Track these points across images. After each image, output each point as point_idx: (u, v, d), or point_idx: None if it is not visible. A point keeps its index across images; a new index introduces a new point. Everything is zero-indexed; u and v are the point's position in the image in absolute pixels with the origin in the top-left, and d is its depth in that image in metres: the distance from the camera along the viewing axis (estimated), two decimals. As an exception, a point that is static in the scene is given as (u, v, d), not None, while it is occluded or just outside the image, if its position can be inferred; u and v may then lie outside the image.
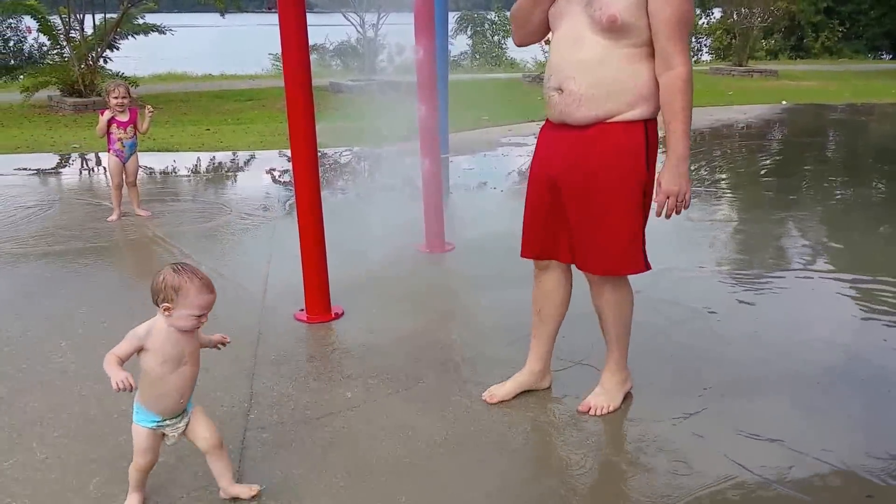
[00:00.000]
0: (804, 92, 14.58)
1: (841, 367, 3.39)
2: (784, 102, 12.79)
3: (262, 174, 7.99)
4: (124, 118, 5.81)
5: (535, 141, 2.96)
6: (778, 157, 8.83)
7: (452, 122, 8.45)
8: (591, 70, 2.57)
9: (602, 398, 2.99)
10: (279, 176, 7.82)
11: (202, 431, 2.40)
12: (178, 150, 8.95)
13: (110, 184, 6.11)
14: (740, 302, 4.22)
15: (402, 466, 2.67)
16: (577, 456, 2.73)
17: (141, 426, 2.33)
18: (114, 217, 5.91)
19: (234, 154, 8.97)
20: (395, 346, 3.65)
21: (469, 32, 29.81)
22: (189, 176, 7.92)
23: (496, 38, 30.71)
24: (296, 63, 3.70)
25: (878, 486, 2.52)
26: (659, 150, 2.71)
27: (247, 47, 25.08)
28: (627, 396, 3.07)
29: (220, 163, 8.59)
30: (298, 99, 3.76)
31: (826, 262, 4.96)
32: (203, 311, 2.24)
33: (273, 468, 2.67)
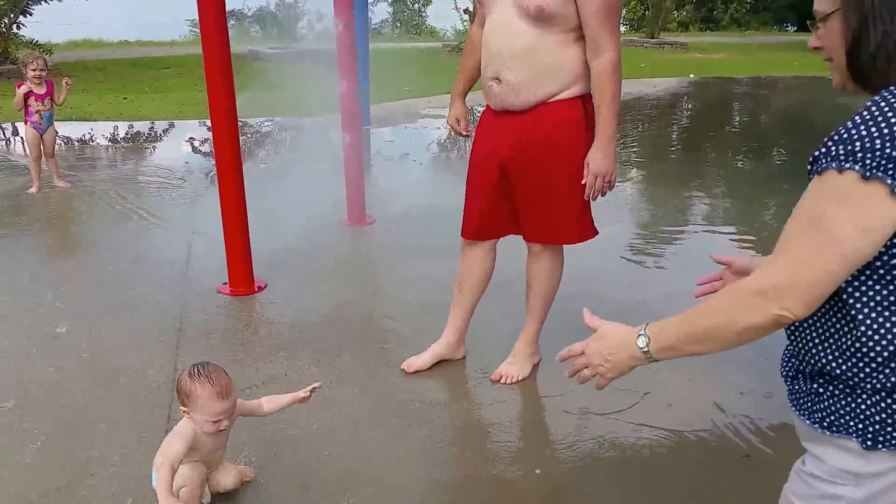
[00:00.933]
0: (712, 65, 15.05)
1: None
2: (692, 76, 13.20)
3: (183, 144, 7.85)
4: (41, 90, 5.78)
5: (476, 126, 3.04)
6: (684, 130, 9.17)
7: (374, 94, 8.44)
8: (525, 59, 2.63)
9: (514, 368, 3.14)
10: (200, 146, 7.70)
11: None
12: (95, 120, 8.68)
13: (29, 155, 6.01)
14: (654, 266, 4.43)
15: (324, 435, 2.77)
16: (491, 421, 2.88)
17: None
18: (34, 189, 5.83)
19: (153, 123, 8.76)
20: (318, 319, 3.73)
21: (389, 0, 29.49)
22: (108, 146, 7.72)
23: (416, 6, 30.48)
24: (213, 31, 3.65)
25: (754, 447, 2.75)
26: None
27: (164, 12, 24.18)
28: (535, 367, 3.24)
29: (139, 132, 8.38)
30: (216, 69, 3.71)
31: (728, 224, 5.24)
32: (217, 417, 2.14)
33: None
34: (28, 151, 6.03)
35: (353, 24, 4.84)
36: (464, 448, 2.71)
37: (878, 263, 1.17)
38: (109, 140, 7.95)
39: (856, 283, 1.19)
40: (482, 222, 3.01)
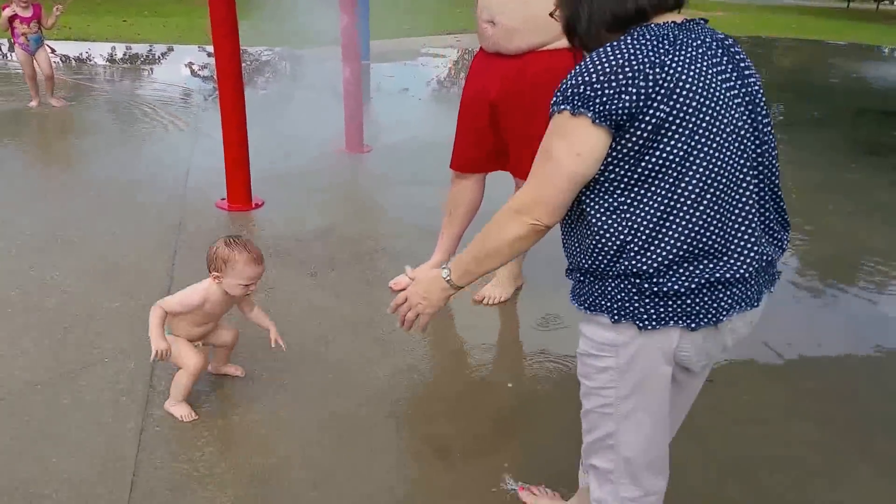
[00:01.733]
0: (712, 22, 14.88)
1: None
2: (691, 31, 13.11)
3: (182, 67, 7.77)
4: (27, 13, 5.73)
5: (469, 65, 3.06)
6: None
7: (373, 30, 8.36)
8: (519, 7, 2.66)
9: (497, 290, 3.22)
10: (199, 70, 7.63)
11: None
12: (94, 41, 8.56)
13: (23, 73, 5.98)
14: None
15: (314, 342, 2.83)
16: (469, 337, 2.97)
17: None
18: (34, 103, 5.83)
19: (151, 46, 8.64)
20: (311, 237, 3.77)
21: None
22: (106, 66, 7.63)
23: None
24: None
25: (715, 372, 2.85)
26: None
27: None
28: (518, 290, 3.31)
29: (138, 54, 8.28)
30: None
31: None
32: (251, 281, 2.32)
33: (194, 339, 2.80)
34: (22, 69, 6.01)
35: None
36: (442, 361, 2.79)
37: (602, 178, 1.42)
38: (108, 60, 7.85)
39: (589, 195, 1.44)
40: (471, 156, 3.07)
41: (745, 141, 1.43)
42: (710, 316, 1.43)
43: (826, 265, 3.98)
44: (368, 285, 3.31)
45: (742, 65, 1.46)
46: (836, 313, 3.45)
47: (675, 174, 1.38)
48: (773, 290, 1.55)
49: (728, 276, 1.42)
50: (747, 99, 1.44)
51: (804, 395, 2.71)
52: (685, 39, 1.41)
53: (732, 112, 1.41)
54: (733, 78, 1.43)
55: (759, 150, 1.46)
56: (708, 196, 1.38)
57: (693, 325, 1.43)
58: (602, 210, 1.43)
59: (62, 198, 4.08)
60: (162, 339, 2.24)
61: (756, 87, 1.47)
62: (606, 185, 1.42)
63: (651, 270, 1.40)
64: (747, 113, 1.44)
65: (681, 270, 1.41)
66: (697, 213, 1.38)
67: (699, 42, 1.42)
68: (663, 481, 1.65)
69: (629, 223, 1.41)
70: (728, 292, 1.44)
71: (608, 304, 1.46)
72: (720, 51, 1.43)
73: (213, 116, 5.75)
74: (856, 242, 4.26)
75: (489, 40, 2.81)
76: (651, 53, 1.36)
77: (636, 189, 1.40)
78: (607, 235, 1.43)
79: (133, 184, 4.33)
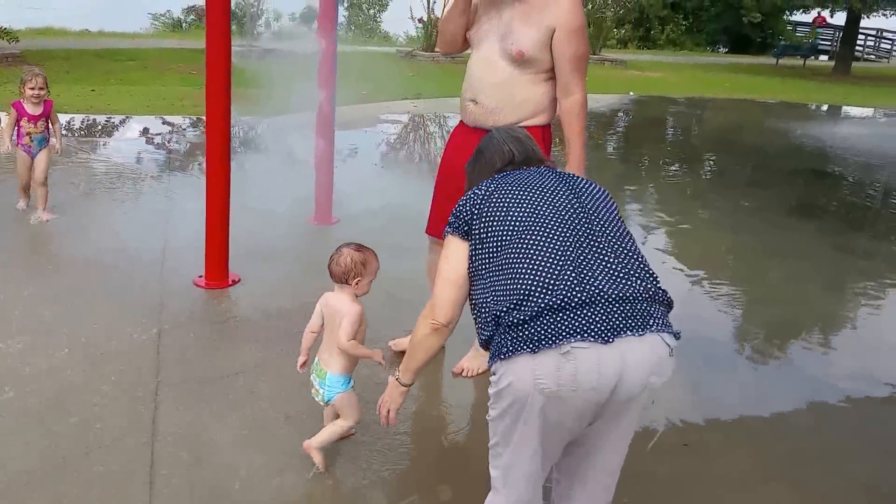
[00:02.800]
0: (650, 83, 15.52)
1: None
2: (632, 94, 13.60)
3: (152, 139, 7.81)
4: (37, 111, 4.90)
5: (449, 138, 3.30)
6: (626, 144, 9.51)
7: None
8: (499, 90, 2.98)
9: (475, 362, 3.34)
10: (168, 142, 7.69)
11: None
12: (66, 112, 8.55)
13: (18, 178, 5.14)
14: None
15: (302, 419, 2.91)
16: (455, 411, 3.07)
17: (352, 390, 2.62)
18: (22, 205, 5.12)
19: (124, 117, 8.68)
20: (292, 311, 3.84)
21: (345, 4, 29.43)
22: (80, 138, 7.63)
23: (371, 11, 30.45)
24: (218, 30, 3.76)
25: (689, 437, 3.00)
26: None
27: (127, 3, 23.69)
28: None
29: (108, 125, 8.30)
30: (218, 70, 3.81)
31: (656, 228, 5.55)
32: (376, 274, 2.60)
33: (184, 421, 2.85)
34: (17, 173, 5.11)
35: (334, 44, 4.96)
36: (422, 438, 2.88)
37: (471, 272, 1.94)
38: (83, 133, 7.85)
39: (472, 284, 1.95)
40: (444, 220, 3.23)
41: (569, 218, 1.88)
42: (548, 340, 1.71)
43: (783, 330, 4.22)
44: (349, 361, 3.39)
45: (568, 178, 2.03)
46: (796, 376, 3.66)
47: (499, 252, 1.87)
48: (660, 332, 1.77)
49: (555, 302, 1.74)
50: (570, 194, 1.95)
51: (775, 458, 2.87)
52: (517, 174, 2.04)
53: (555, 202, 1.92)
54: (559, 184, 1.98)
55: (587, 223, 1.89)
56: (531, 254, 1.82)
57: (534, 349, 1.72)
58: (476, 293, 1.93)
59: (40, 281, 4.08)
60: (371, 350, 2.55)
61: (582, 185, 2.01)
62: (473, 276, 1.93)
63: (503, 311, 1.80)
64: (572, 201, 1.93)
65: (521, 306, 1.77)
66: (525, 267, 1.81)
67: (529, 172, 2.04)
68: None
69: (490, 291, 1.86)
70: (559, 317, 1.73)
71: (491, 352, 1.83)
72: (549, 174, 2.03)
73: (183, 188, 5.80)
74: (805, 307, 4.50)
75: (471, 116, 3.09)
76: (482, 186, 2.02)
77: (483, 269, 1.90)
78: (477, 312, 1.93)
79: (111, 264, 4.33)
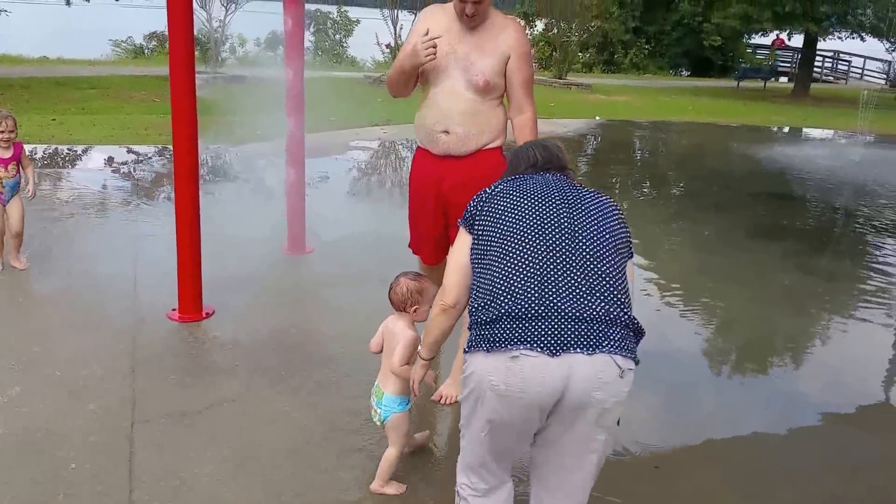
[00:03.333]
0: (615, 107, 15.84)
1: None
2: (598, 118, 13.88)
3: (118, 169, 7.79)
4: (7, 154, 4.57)
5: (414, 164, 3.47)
6: (592, 168, 9.71)
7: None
8: (468, 119, 3.24)
9: (453, 388, 3.41)
10: (135, 171, 7.67)
11: None
12: (28, 142, 8.47)
13: None
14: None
15: (281, 453, 2.95)
16: (439, 437, 3.13)
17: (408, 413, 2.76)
18: None
19: (87, 147, 8.64)
20: (267, 343, 3.88)
21: (312, 30, 29.59)
22: (44, 169, 7.58)
23: (338, 36, 30.67)
24: (181, 58, 3.81)
25: (661, 459, 3.10)
26: None
27: (86, 29, 23.55)
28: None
29: (71, 155, 8.27)
30: (183, 100, 3.86)
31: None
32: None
33: (161, 458, 2.87)
34: None
35: (301, 71, 5.05)
36: (413, 463, 2.94)
37: (471, 264, 2.12)
38: (46, 164, 7.80)
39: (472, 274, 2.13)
40: (436, 245, 3.42)
41: (550, 234, 2.03)
42: (500, 343, 1.91)
43: (750, 350, 4.37)
44: (328, 389, 3.44)
45: (573, 192, 2.16)
46: (763, 396, 3.80)
47: (487, 252, 2.07)
48: (613, 354, 1.90)
49: (514, 310, 1.92)
50: (564, 209, 2.09)
51: (745, 477, 2.98)
52: (526, 179, 2.22)
53: (544, 216, 2.07)
54: (558, 197, 2.12)
55: (567, 240, 2.02)
56: (505, 261, 2.01)
57: (488, 349, 1.93)
58: (475, 281, 2.10)
59: (10, 316, 4.07)
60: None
61: (584, 202, 2.13)
62: (475, 265, 2.12)
63: (474, 308, 2.02)
64: (561, 217, 2.07)
65: (487, 308, 1.98)
66: (499, 272, 2.00)
67: (537, 179, 2.21)
68: (484, 484, 2.15)
69: (475, 287, 2.08)
70: (514, 325, 1.91)
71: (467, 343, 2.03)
72: (557, 184, 2.18)
73: (152, 219, 5.81)
74: (771, 327, 4.66)
75: (443, 146, 3.29)
76: (492, 186, 2.22)
77: (475, 265, 2.11)
78: (473, 300, 2.08)
79: (82, 299, 4.33)
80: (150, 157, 8.24)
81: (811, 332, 4.74)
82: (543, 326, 1.89)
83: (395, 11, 17.22)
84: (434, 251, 3.48)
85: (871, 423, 3.58)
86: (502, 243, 2.04)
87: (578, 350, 1.87)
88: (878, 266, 6.15)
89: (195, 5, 15.81)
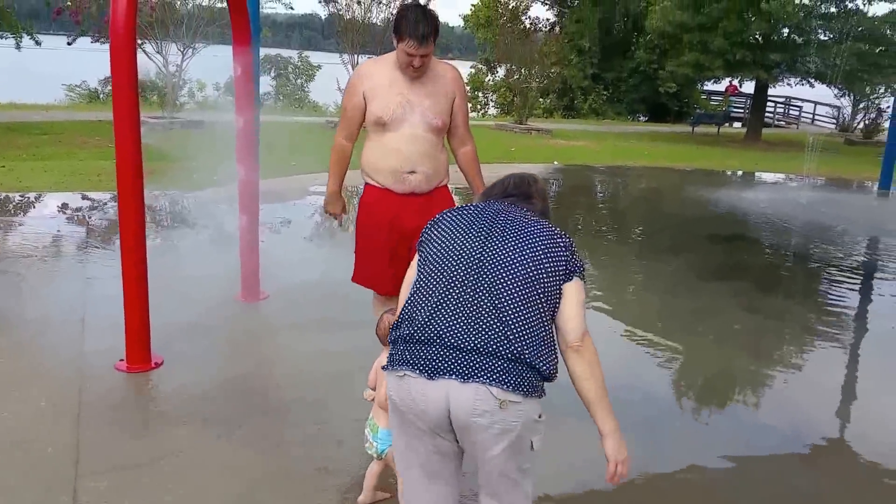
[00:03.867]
0: (574, 151, 16.17)
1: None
2: (556, 163, 14.16)
3: (69, 216, 7.72)
4: None
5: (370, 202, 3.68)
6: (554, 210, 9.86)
7: (262, 169, 8.60)
8: (430, 159, 3.60)
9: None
10: (86, 219, 7.61)
11: None
12: (-25, 189, 8.40)
13: None
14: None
15: (237, 501, 2.92)
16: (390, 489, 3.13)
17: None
18: None
19: (38, 195, 8.55)
20: (218, 392, 3.86)
21: (273, 74, 29.83)
22: (-14, 216, 7.49)
23: (299, 81, 30.95)
24: (125, 103, 3.84)
25: (621, 497, 3.14)
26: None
27: (40, 73, 23.40)
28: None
29: (24, 204, 8.17)
30: (127, 144, 3.89)
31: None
32: None
33: (109, 512, 2.83)
34: None
35: (253, 117, 5.10)
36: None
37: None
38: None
39: None
40: (394, 277, 3.51)
41: (456, 266, 2.17)
42: (394, 363, 2.13)
43: (704, 390, 4.49)
44: (282, 438, 3.43)
45: (507, 224, 2.24)
46: (718, 435, 3.89)
47: (417, 275, 2.26)
48: (488, 384, 2.02)
49: (407, 335, 2.13)
50: (484, 243, 2.20)
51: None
52: (471, 208, 2.35)
53: (460, 248, 2.20)
54: (486, 230, 2.22)
55: (471, 275, 2.15)
56: (417, 286, 2.21)
57: (388, 367, 2.15)
58: None
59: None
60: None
61: (514, 235, 2.20)
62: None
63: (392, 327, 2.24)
64: (475, 250, 2.19)
65: (396, 329, 2.20)
66: (411, 296, 2.21)
67: (483, 206, 2.35)
68: None
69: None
70: (404, 347, 2.12)
71: None
72: (496, 215, 2.28)
73: (102, 267, 5.76)
74: (724, 367, 4.77)
75: (408, 185, 3.58)
76: (443, 213, 2.38)
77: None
78: None
79: (28, 348, 4.28)
80: (104, 204, 8.18)
81: (765, 371, 4.84)
82: (425, 352, 2.08)
83: (356, 56, 17.45)
84: (392, 283, 3.59)
85: (822, 462, 3.67)
86: (422, 269, 2.25)
87: (453, 376, 2.03)
88: (826, 303, 6.35)
89: (151, 49, 15.90)
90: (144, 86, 19.36)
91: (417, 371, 2.06)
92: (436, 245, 2.25)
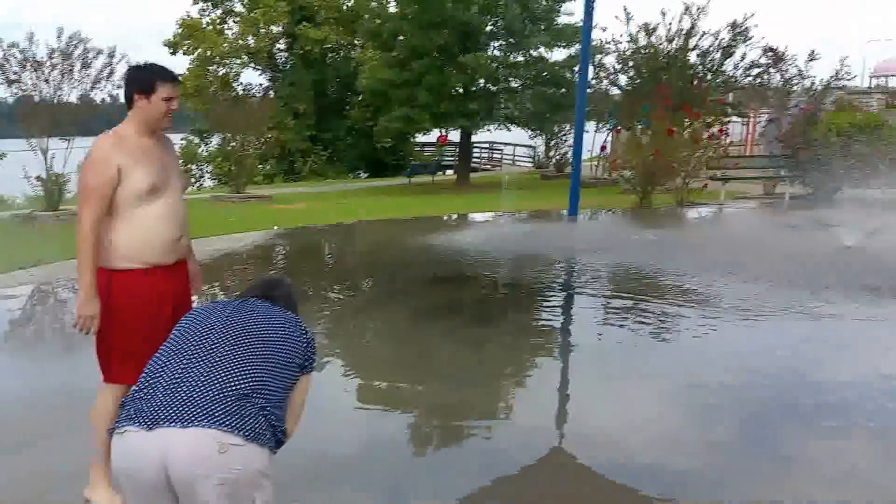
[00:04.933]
0: (295, 214, 16.22)
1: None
2: (276, 227, 14.11)
3: None
4: None
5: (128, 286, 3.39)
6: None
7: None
8: (185, 227, 3.57)
9: None
10: None
11: None
12: None
13: None
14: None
15: None
16: None
17: None
18: None
19: None
20: None
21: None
22: None
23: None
24: None
25: None
26: None
27: None
28: None
29: None
30: None
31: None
32: None
33: None
34: None
35: None
36: None
37: None
38: None
39: None
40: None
41: (192, 343, 2.31)
42: (118, 423, 2.16)
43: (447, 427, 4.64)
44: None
45: (248, 313, 2.47)
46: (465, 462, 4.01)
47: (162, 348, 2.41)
48: (210, 428, 2.06)
49: (129, 395, 2.22)
50: (226, 328, 2.37)
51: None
52: (220, 303, 2.58)
53: (213, 327, 2.36)
54: (232, 318, 2.42)
55: (206, 349, 2.28)
56: (159, 356, 2.30)
57: (111, 429, 2.18)
58: None
59: None
60: None
61: (255, 324, 2.41)
62: None
63: None
64: (216, 330, 2.36)
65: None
66: (151, 366, 2.31)
67: (230, 303, 2.55)
68: None
69: None
70: (126, 407, 2.18)
71: None
72: (245, 304, 2.53)
73: None
74: (466, 406, 5.05)
75: (178, 251, 3.51)
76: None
77: None
78: None
79: None
80: None
81: (494, 401, 5.18)
82: (146, 404, 2.12)
83: (46, 140, 16.01)
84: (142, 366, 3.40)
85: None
86: (166, 344, 2.40)
87: (173, 424, 2.03)
88: (538, 321, 7.00)
89: None
90: None
91: (137, 424, 2.07)
92: (184, 324, 2.44)
